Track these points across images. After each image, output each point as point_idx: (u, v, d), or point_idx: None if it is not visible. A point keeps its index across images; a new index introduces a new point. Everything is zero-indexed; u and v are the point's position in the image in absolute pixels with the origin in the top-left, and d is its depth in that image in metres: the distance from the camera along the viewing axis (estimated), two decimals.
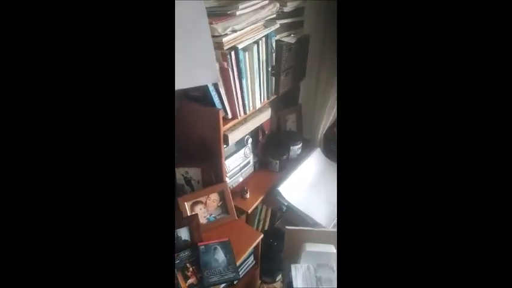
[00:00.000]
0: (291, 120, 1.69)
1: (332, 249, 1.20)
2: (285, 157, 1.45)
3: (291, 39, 1.27)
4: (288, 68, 1.32)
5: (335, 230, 1.19)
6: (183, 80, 0.88)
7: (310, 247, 1.19)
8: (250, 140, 1.32)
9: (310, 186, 1.37)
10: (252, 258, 1.25)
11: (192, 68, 0.89)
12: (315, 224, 1.21)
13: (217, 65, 0.95)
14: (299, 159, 1.50)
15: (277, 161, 1.42)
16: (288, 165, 1.47)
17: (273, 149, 1.47)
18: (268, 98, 1.28)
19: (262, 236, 1.16)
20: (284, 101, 1.63)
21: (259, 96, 1.20)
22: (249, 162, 1.37)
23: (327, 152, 1.63)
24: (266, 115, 1.31)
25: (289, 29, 1.31)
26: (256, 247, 1.22)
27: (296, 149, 1.52)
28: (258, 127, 1.41)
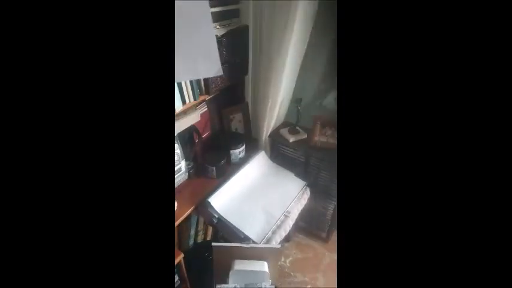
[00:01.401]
0: (236, 120, 1.55)
1: (264, 267, 1.09)
2: (223, 162, 1.32)
3: (218, 31, 1.12)
4: (221, 63, 1.17)
5: (267, 246, 1.08)
6: (185, 73, 0.91)
7: (239, 265, 1.08)
8: (176, 146, 1.18)
9: (247, 195, 1.25)
10: (176, 277, 1.14)
11: (194, 60, 0.91)
12: (246, 238, 1.10)
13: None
14: (242, 163, 1.38)
15: (214, 167, 1.29)
16: (228, 170, 1.35)
17: (211, 154, 1.34)
18: (195, 99, 1.14)
19: (182, 255, 1.04)
20: (228, 99, 1.49)
21: (180, 97, 1.06)
22: (180, 169, 1.24)
23: (274, 155, 1.51)
24: (194, 117, 1.17)
25: (220, 19, 1.16)
26: (179, 266, 1.10)
27: (238, 152, 1.39)
28: (191, 129, 1.27)
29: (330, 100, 1.51)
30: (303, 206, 1.31)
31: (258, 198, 1.24)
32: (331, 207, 1.47)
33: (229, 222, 1.13)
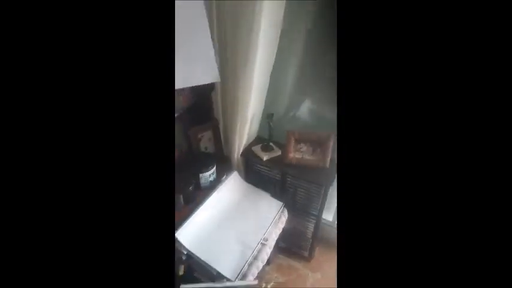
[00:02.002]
0: (206, 138, 1.44)
1: None
2: (191, 188, 1.20)
3: None
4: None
5: (242, 283, 0.97)
6: (183, 79, 0.89)
7: None
8: None
9: (219, 224, 1.14)
10: None
11: (192, 67, 0.89)
12: (219, 275, 0.98)
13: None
14: (213, 186, 1.26)
15: (181, 195, 1.16)
16: (197, 196, 1.22)
17: (177, 179, 1.21)
18: None
19: None
20: (196, 117, 1.37)
21: None
22: None
23: (248, 174, 1.41)
24: None
25: None
26: None
27: (208, 175, 1.27)
28: None
29: (304, 111, 1.44)
30: (281, 230, 1.21)
31: (232, 227, 1.13)
32: (311, 225, 1.39)
33: (199, 258, 1.01)
